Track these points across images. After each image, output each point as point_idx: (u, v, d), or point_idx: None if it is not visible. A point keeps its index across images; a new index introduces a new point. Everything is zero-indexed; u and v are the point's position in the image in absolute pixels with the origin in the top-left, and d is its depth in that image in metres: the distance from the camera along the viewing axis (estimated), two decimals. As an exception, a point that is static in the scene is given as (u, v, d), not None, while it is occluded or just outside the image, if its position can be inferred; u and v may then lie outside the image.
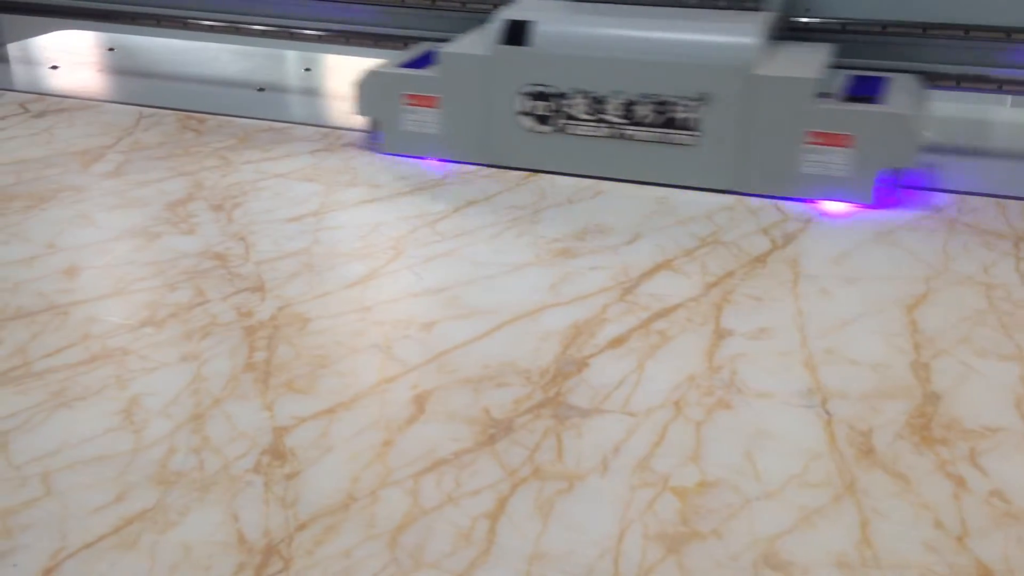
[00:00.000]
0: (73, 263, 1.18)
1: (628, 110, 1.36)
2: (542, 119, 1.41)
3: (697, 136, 1.35)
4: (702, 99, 1.32)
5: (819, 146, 1.30)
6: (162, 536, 0.74)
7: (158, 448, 0.84)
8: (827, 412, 0.87)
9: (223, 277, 1.15)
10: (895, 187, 1.34)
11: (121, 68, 2.05)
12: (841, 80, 1.41)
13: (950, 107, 1.64)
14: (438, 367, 0.97)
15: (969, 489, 0.78)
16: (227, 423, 0.88)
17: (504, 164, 1.47)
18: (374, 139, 1.56)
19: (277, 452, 0.84)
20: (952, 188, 1.37)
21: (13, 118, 1.69)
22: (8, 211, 1.32)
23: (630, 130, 1.38)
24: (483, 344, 1.01)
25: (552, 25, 1.42)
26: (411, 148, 1.52)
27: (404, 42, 1.74)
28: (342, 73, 1.96)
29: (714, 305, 1.07)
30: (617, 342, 1.00)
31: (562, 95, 1.39)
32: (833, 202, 1.32)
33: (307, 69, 2.06)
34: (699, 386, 0.92)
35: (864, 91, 1.36)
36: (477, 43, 1.50)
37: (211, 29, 1.96)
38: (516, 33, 1.41)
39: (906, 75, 1.44)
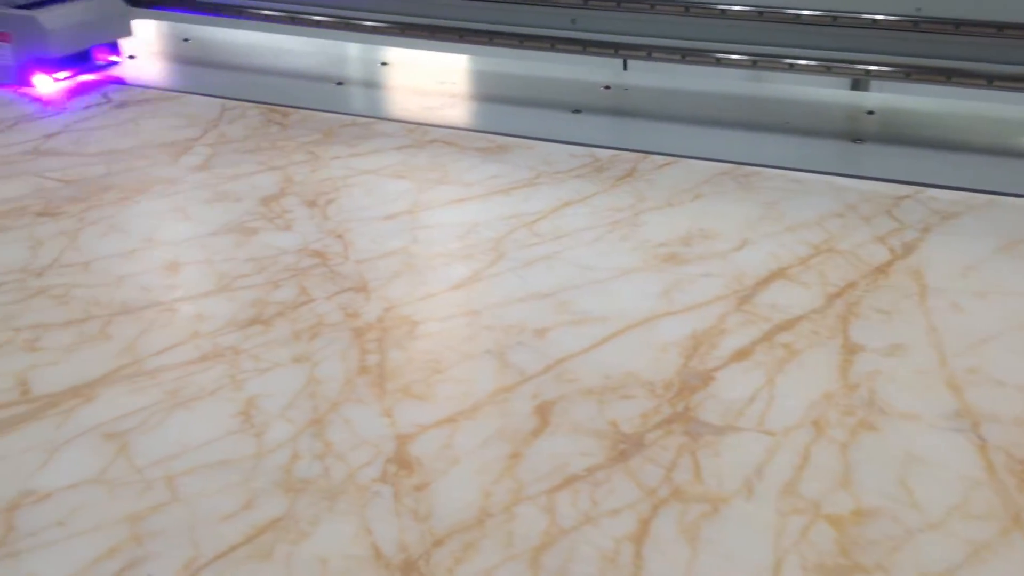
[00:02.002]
0: (174, 258, 1.16)
1: None
2: None
3: None
4: None
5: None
6: (296, 547, 0.72)
7: (281, 453, 0.82)
8: (980, 437, 0.83)
9: (325, 275, 1.13)
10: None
11: (198, 59, 2.03)
12: None
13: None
14: (556, 376, 0.94)
15: None
16: (348, 429, 0.86)
17: None
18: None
19: (403, 461, 0.81)
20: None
21: (97, 107, 1.69)
22: (103, 202, 1.31)
23: None
24: (600, 353, 0.97)
25: None
26: None
27: (459, 34, 1.74)
28: (418, 68, 1.93)
29: (839, 318, 1.03)
30: (742, 355, 0.96)
31: None
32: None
33: (383, 63, 2.04)
34: (837, 405, 0.88)
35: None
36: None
37: (269, 19, 1.96)
38: None
39: None
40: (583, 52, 1.66)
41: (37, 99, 1.73)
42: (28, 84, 1.76)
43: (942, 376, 0.91)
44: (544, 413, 0.88)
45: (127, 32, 1.91)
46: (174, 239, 1.21)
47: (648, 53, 1.60)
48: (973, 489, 0.77)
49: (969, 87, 1.50)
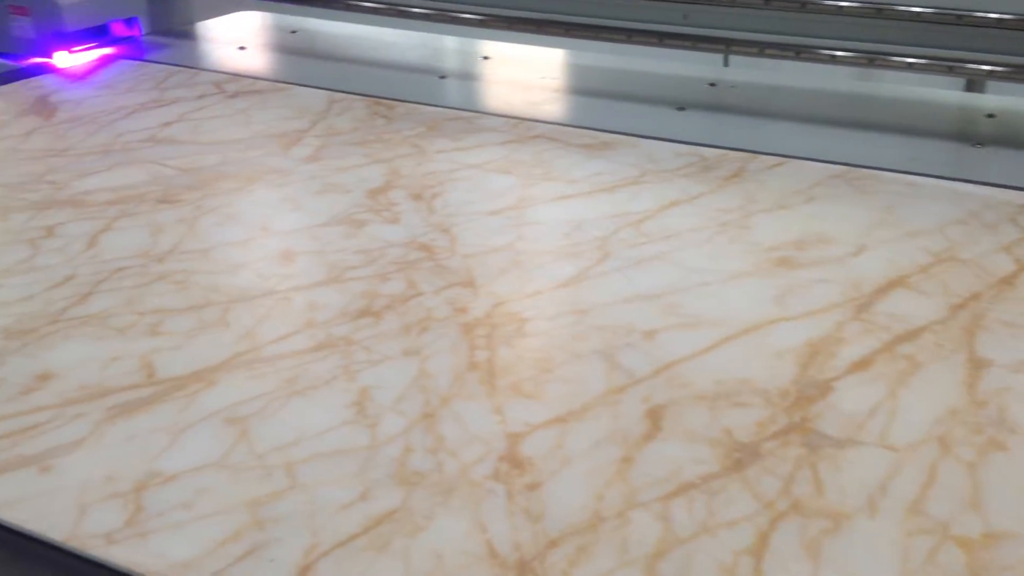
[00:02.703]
0: (288, 247, 1.19)
1: None
2: None
3: None
4: None
5: (17, 16, 1.83)
6: (413, 540, 0.73)
7: (395, 445, 0.83)
8: (1123, 464, 0.78)
9: (432, 270, 1.14)
10: None
11: (306, 51, 2.08)
12: None
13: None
14: (667, 380, 0.92)
15: None
16: (458, 424, 0.86)
17: None
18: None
19: (515, 460, 0.81)
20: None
21: (210, 97, 1.74)
22: (218, 191, 1.35)
23: None
24: (712, 358, 0.96)
25: None
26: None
27: (566, 28, 1.73)
28: (519, 62, 1.93)
29: (964, 330, 0.98)
30: (861, 365, 0.93)
31: None
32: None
33: (485, 57, 2.04)
34: (964, 422, 0.84)
35: None
36: None
37: (375, 11, 1.98)
38: None
39: None
40: (692, 48, 1.63)
41: (60, 71, 1.85)
42: (48, 56, 1.87)
43: (1079, 397, 0.87)
44: (655, 417, 0.87)
45: (142, 9, 2.05)
46: (287, 229, 1.24)
47: (760, 50, 1.56)
48: (1117, 519, 0.73)
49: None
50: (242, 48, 2.07)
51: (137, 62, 1.94)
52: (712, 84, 1.80)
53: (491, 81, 1.90)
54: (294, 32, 2.21)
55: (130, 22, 2.02)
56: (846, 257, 1.15)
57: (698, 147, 1.50)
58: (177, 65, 1.92)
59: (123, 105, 1.68)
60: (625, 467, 0.80)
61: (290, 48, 2.10)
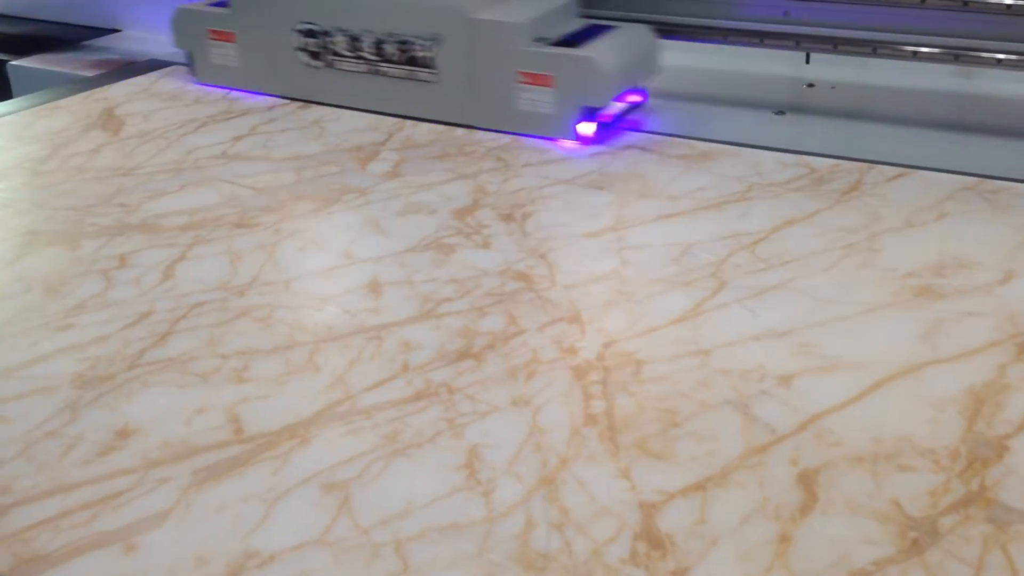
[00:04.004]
0: (374, 276, 1.10)
1: (379, 48, 1.54)
2: (314, 54, 1.60)
3: (435, 73, 1.51)
4: (435, 40, 1.49)
5: (529, 85, 1.45)
6: (548, 643, 0.63)
7: (514, 519, 0.74)
8: None
9: (533, 302, 1.04)
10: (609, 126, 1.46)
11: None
12: (576, 25, 1.54)
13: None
14: (816, 436, 0.82)
15: None
16: (583, 492, 0.76)
17: (290, 96, 1.66)
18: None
19: (653, 539, 0.72)
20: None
21: (280, 108, 1.66)
22: (296, 213, 1.26)
23: (382, 66, 1.55)
24: (862, 409, 0.85)
25: None
26: (218, 80, 1.73)
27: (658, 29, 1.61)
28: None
29: None
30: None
31: (326, 32, 1.57)
32: (542, 138, 1.46)
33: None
34: None
35: (584, 37, 1.47)
36: None
37: None
38: None
39: (638, 24, 1.54)
40: (795, 47, 1.51)
41: (574, 149, 1.45)
42: (573, 135, 1.45)
43: None
44: (809, 484, 0.76)
45: (659, 68, 1.57)
46: (372, 255, 1.15)
47: (872, 49, 1.44)
48: None
49: None
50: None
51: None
52: (810, 85, 1.67)
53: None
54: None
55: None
56: (994, 285, 1.03)
57: (805, 156, 1.38)
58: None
59: (192, 119, 1.62)
60: (784, 549, 0.70)
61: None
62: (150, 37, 2.16)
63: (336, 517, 0.74)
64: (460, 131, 1.53)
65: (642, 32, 1.54)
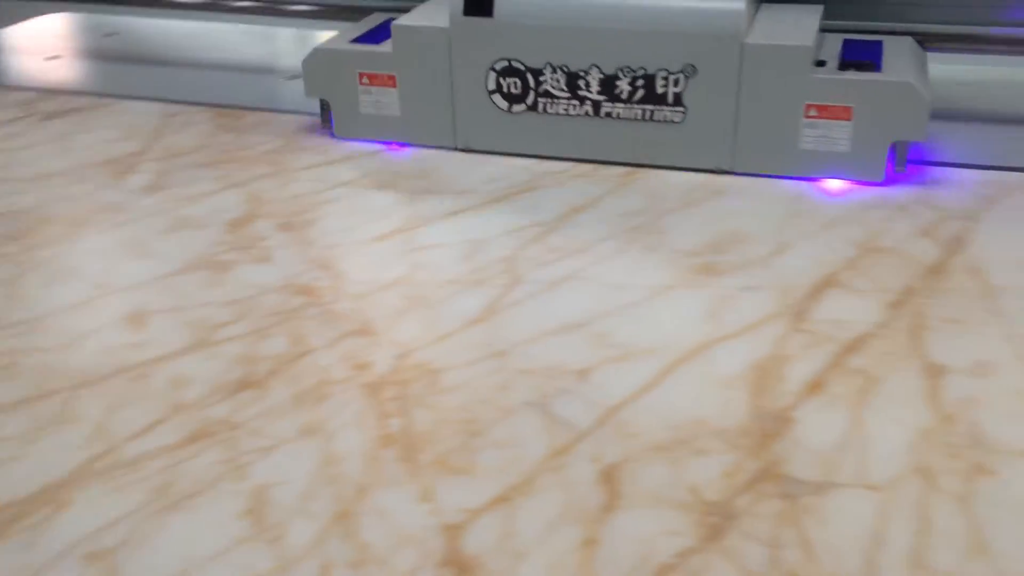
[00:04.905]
0: (137, 306, 0.99)
1: (608, 85, 1.25)
2: (514, 97, 1.30)
3: (683, 112, 1.25)
4: (687, 72, 1.22)
5: (819, 120, 1.20)
6: None
7: (309, 565, 0.68)
8: (1115, 478, 0.73)
9: (318, 317, 0.98)
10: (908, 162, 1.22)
11: (130, 56, 1.83)
12: (835, 45, 1.29)
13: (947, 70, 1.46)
14: (615, 430, 0.81)
15: None
16: (383, 522, 0.72)
17: (473, 148, 1.35)
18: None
19: (458, 563, 0.68)
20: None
21: (21, 121, 1.48)
22: (43, 240, 1.12)
23: (610, 107, 1.27)
24: (657, 396, 0.85)
25: None
26: (369, 132, 1.38)
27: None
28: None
29: (908, 332, 0.92)
30: (815, 387, 0.85)
31: (535, 70, 1.27)
32: (835, 179, 1.21)
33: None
34: (939, 444, 0.77)
35: (862, 57, 1.24)
36: (436, 14, 1.35)
37: (187, 7, 1.77)
38: (479, 1, 1.28)
39: (901, 37, 1.32)
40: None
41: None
42: (881, 174, 1.20)
43: (1049, 401, 0.81)
44: (611, 480, 0.75)
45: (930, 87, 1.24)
46: (133, 281, 1.04)
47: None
48: None
49: None
50: (54, 58, 1.80)
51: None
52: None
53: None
54: (111, 34, 1.94)
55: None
56: (768, 257, 1.07)
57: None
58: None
59: (-91, 138, 1.41)
60: (590, 553, 0.68)
61: (110, 54, 1.84)
62: None
63: (102, 593, 0.65)
64: (227, 135, 1.42)
65: (915, 47, 1.30)
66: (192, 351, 0.92)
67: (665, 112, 1.25)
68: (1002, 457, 0.75)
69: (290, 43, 1.85)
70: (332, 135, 1.40)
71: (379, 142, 1.38)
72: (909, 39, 1.31)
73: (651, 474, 0.76)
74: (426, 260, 1.08)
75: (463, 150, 1.35)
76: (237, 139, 1.42)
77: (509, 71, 1.28)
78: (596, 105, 1.27)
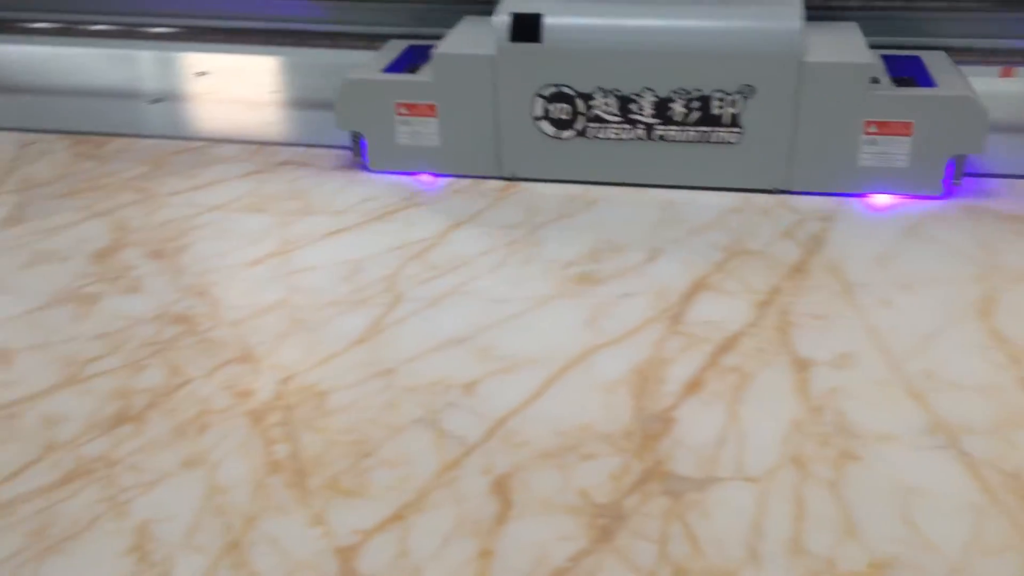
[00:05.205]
0: (1, 344, 0.94)
1: (661, 108, 1.24)
2: (562, 123, 1.28)
3: (739, 133, 1.24)
4: (745, 92, 1.21)
5: (878, 136, 1.20)
6: None
7: (199, 600, 0.66)
8: (963, 453, 0.79)
9: (196, 346, 0.95)
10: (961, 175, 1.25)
11: (-26, 82, 1.73)
12: (876, 59, 1.31)
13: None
14: (503, 440, 0.82)
15: None
16: (274, 550, 0.70)
17: (520, 176, 1.32)
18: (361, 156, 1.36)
19: (355, 584, 0.67)
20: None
21: None
22: None
23: (664, 129, 1.26)
24: (543, 404, 0.87)
25: (568, 17, 1.25)
26: (405, 164, 1.34)
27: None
28: (245, 76, 1.73)
29: (777, 329, 0.97)
30: (693, 387, 0.88)
31: (584, 95, 1.25)
32: (895, 195, 1.24)
33: (201, 73, 1.81)
34: (810, 434, 0.82)
35: (906, 72, 1.28)
36: (474, 40, 1.32)
37: (42, 32, 1.69)
38: (526, 28, 1.25)
39: (936, 52, 1.34)
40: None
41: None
42: (941, 189, 1.21)
43: (901, 385, 0.87)
44: (503, 491, 0.76)
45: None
46: (-7, 320, 0.99)
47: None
48: (980, 517, 0.72)
49: None
50: None
51: None
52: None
53: (215, 101, 1.69)
54: (-45, 59, 1.84)
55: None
56: (642, 264, 1.11)
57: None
58: None
59: None
60: (486, 565, 0.69)
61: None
62: None
63: (-27, 650, 0.62)
64: (88, 163, 1.37)
65: (951, 61, 1.30)
66: (63, 388, 0.88)
67: (721, 133, 1.24)
68: (866, 442, 0.81)
69: (151, 66, 1.80)
70: (365, 167, 1.34)
71: (414, 173, 1.33)
72: (943, 54, 1.33)
73: (541, 481, 0.77)
74: (304, 283, 1.07)
75: (509, 179, 1.32)
76: (99, 166, 1.36)
77: (558, 96, 1.26)
78: (649, 128, 1.26)
